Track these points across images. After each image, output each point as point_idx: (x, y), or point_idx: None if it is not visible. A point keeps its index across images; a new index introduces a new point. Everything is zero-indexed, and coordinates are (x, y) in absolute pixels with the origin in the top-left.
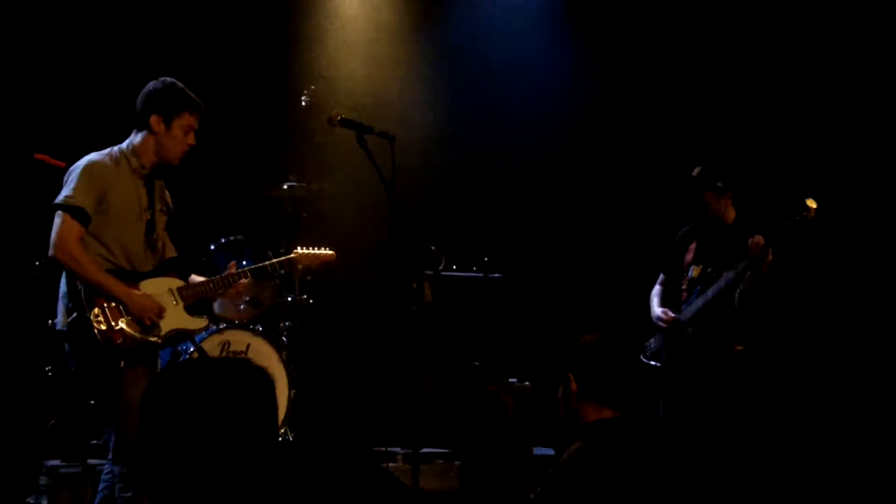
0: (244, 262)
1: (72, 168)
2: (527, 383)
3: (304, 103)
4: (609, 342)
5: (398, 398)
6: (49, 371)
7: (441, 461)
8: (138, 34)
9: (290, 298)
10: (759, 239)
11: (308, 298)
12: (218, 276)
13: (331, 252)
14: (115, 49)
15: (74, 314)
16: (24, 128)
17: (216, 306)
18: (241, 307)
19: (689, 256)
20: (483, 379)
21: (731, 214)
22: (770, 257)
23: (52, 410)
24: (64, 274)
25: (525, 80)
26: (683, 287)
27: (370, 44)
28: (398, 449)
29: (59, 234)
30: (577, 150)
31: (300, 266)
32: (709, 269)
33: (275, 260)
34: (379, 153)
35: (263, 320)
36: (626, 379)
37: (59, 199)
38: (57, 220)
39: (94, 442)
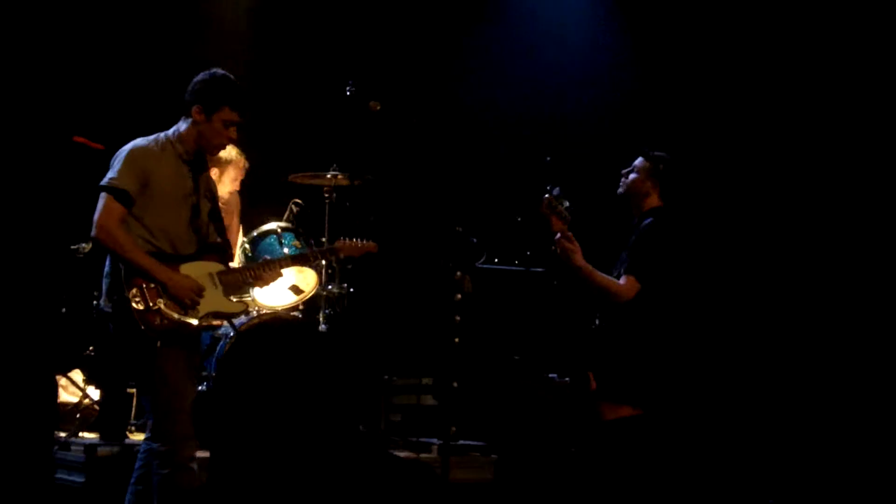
0: (285, 251)
1: (118, 152)
2: (567, 379)
3: (348, 93)
4: (624, 342)
5: (437, 389)
6: (91, 352)
7: (477, 454)
8: (184, 20)
9: (329, 287)
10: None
11: (348, 287)
12: (257, 263)
13: (373, 244)
14: (159, 35)
15: (115, 294)
16: (63, 111)
17: (256, 293)
18: (282, 294)
19: None
20: (522, 373)
21: (652, 202)
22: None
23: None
24: (108, 255)
25: (576, 74)
26: None
27: (416, 33)
28: (434, 440)
29: (101, 215)
30: (622, 145)
31: (342, 255)
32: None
33: (316, 249)
34: (422, 143)
35: (303, 309)
36: (644, 378)
37: (104, 181)
38: (100, 202)
39: (133, 422)
